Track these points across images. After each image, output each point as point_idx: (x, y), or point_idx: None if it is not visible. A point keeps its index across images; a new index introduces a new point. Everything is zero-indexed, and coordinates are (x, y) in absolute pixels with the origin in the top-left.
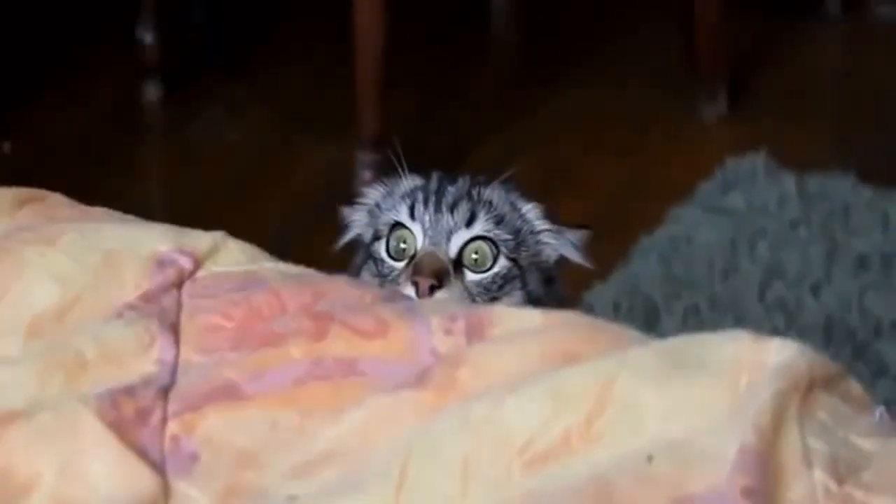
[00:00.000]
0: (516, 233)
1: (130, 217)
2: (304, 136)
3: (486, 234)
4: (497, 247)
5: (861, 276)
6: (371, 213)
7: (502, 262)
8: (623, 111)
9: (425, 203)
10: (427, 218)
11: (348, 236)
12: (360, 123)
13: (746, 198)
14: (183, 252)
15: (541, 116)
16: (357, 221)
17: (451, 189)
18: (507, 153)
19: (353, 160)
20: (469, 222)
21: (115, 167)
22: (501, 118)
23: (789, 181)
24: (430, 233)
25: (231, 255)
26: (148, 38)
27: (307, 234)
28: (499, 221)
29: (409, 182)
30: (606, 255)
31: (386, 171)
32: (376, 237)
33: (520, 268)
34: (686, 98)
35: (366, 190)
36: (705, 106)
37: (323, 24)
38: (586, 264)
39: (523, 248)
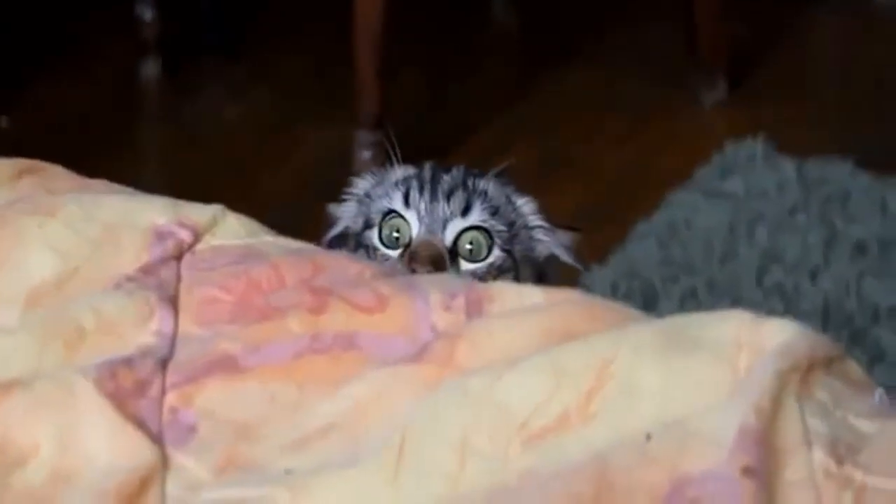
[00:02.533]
0: (510, 225)
1: (130, 189)
2: (303, 115)
3: (481, 223)
4: (492, 237)
5: (859, 261)
6: (360, 202)
7: (497, 253)
8: (623, 96)
9: (420, 191)
10: (423, 206)
11: (336, 230)
12: (359, 103)
13: (745, 183)
14: (182, 225)
15: (540, 101)
16: (346, 212)
17: (445, 178)
18: (506, 137)
19: (353, 140)
20: (465, 212)
21: (114, 145)
22: (501, 103)
23: (788, 167)
24: (425, 220)
25: (230, 228)
26: (147, 15)
27: (306, 213)
28: (494, 212)
29: (402, 170)
30: (605, 239)
31: (384, 152)
32: (368, 225)
33: (514, 260)
34: (686, 84)
35: (354, 180)
36: (705, 92)
37: (323, 3)
38: (577, 266)
39: (517, 242)
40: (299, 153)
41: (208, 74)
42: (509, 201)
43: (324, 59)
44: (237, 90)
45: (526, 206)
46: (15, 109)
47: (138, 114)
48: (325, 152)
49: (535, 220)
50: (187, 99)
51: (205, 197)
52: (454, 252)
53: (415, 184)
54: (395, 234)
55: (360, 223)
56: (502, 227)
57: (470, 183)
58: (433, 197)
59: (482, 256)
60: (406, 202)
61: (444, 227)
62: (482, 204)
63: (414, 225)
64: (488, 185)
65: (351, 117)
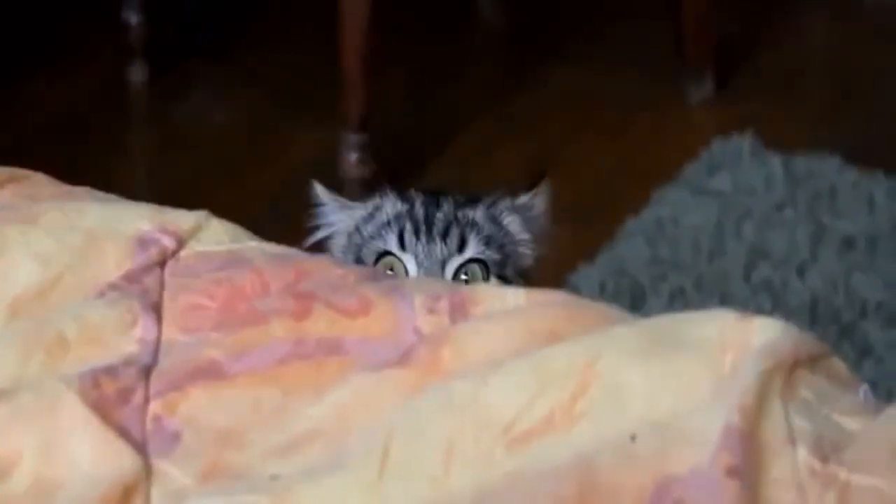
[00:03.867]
0: (501, 248)
1: (113, 196)
2: (290, 117)
3: (478, 255)
4: (488, 268)
5: (847, 257)
6: (350, 237)
7: (493, 283)
8: (610, 94)
9: (416, 233)
10: (419, 249)
11: (321, 234)
12: (346, 105)
13: (732, 179)
14: (166, 231)
15: (528, 99)
16: (335, 225)
17: (438, 215)
18: (494, 136)
19: (339, 142)
20: (461, 247)
21: (101, 148)
22: (489, 100)
23: (775, 163)
24: (424, 264)
25: (214, 234)
26: (134, 19)
27: (294, 215)
28: (487, 242)
29: (392, 206)
30: (593, 237)
31: (370, 154)
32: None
33: (509, 284)
34: (673, 80)
35: (341, 203)
36: (692, 88)
37: (309, 4)
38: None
39: (510, 263)
40: (286, 155)
41: (195, 77)
42: (497, 224)
43: (310, 61)
44: (224, 92)
45: (512, 224)
46: (2, 113)
47: (125, 117)
48: (311, 154)
49: (521, 234)
50: (174, 102)
51: (192, 198)
52: None
53: (408, 226)
54: (389, 272)
55: (350, 260)
56: (496, 256)
57: (461, 216)
58: (429, 238)
59: None
60: (402, 245)
61: (443, 268)
62: (476, 236)
63: (412, 268)
64: (476, 213)
65: (338, 119)
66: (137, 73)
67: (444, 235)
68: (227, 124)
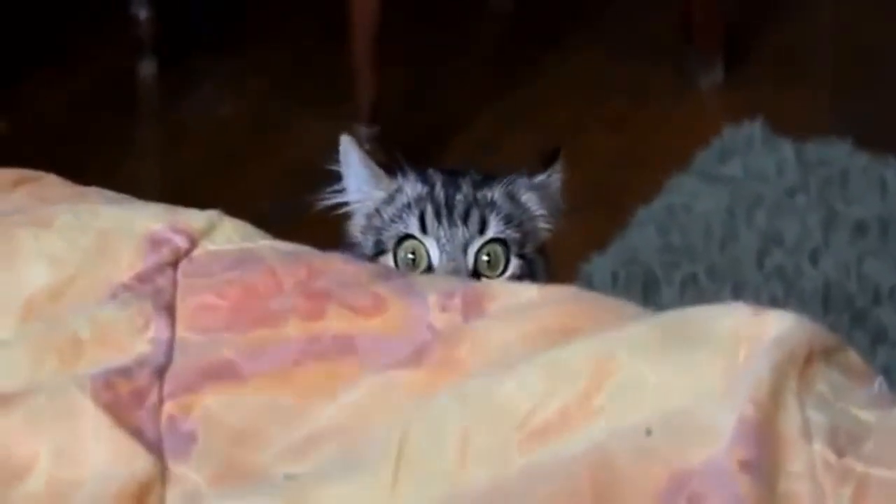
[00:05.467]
0: (520, 225)
1: (125, 197)
2: (299, 109)
3: (498, 235)
4: (508, 248)
5: (859, 242)
6: (370, 219)
7: (514, 263)
8: (619, 81)
9: (437, 216)
10: (441, 233)
11: (338, 198)
12: (356, 94)
13: (744, 166)
14: (178, 231)
15: (536, 87)
16: (353, 194)
17: (458, 197)
18: (502, 122)
19: (349, 132)
20: (482, 229)
21: (111, 143)
22: (498, 88)
23: (786, 148)
24: (447, 248)
25: (226, 233)
26: (142, 13)
27: (305, 206)
28: (508, 221)
29: (412, 188)
30: (604, 226)
31: (380, 145)
32: (380, 251)
33: (529, 262)
34: (682, 67)
35: (367, 165)
36: (701, 75)
37: None
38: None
39: (529, 240)
40: (295, 146)
41: (203, 71)
42: (516, 202)
43: (318, 52)
44: (232, 85)
45: (529, 200)
46: (11, 110)
47: (135, 111)
48: (320, 145)
49: (538, 210)
50: (183, 95)
51: (201, 192)
52: (475, 271)
53: (430, 209)
54: (411, 256)
55: (369, 243)
56: (515, 234)
57: (480, 197)
58: (451, 222)
59: (500, 268)
60: (423, 228)
61: (465, 251)
62: (496, 216)
63: (434, 252)
64: (494, 192)
65: (347, 109)
66: (146, 68)
67: (465, 218)
68: (234, 117)
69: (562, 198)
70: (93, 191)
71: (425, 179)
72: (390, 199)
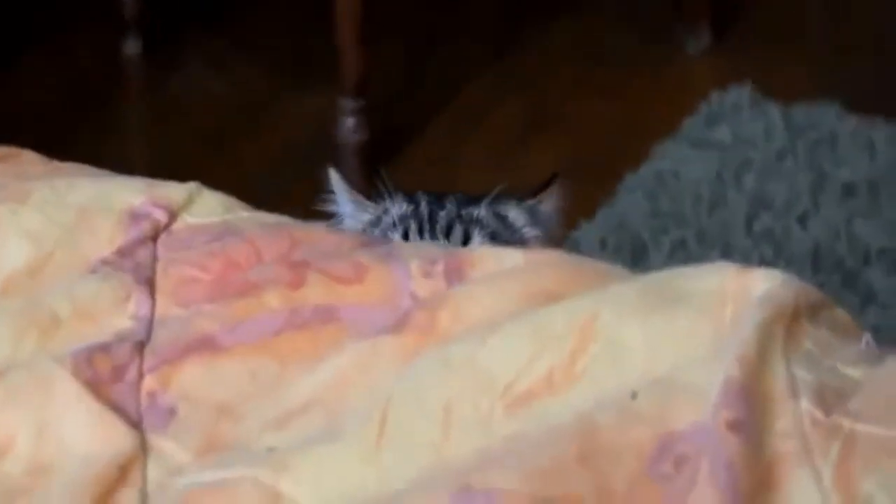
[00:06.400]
0: (507, 244)
1: (103, 171)
2: (286, 86)
3: None
4: None
5: (848, 204)
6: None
7: None
8: (607, 49)
9: (420, 232)
10: None
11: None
12: (343, 69)
13: (732, 130)
14: (157, 204)
15: (526, 56)
16: (345, 215)
17: (441, 214)
18: (493, 93)
19: (335, 105)
20: (464, 244)
21: (97, 123)
22: (487, 57)
23: (775, 112)
24: None
25: (206, 205)
26: None
27: (293, 183)
28: (492, 237)
29: (398, 208)
30: (593, 193)
31: (368, 119)
32: None
33: None
34: (670, 33)
35: (353, 197)
36: (689, 40)
37: None
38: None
39: None
40: (283, 124)
41: (189, 48)
42: (501, 220)
43: (305, 29)
44: (219, 63)
45: (517, 218)
46: None
47: (121, 91)
48: (309, 122)
49: (528, 231)
50: (169, 74)
51: (189, 170)
52: None
53: (413, 225)
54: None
55: None
56: None
57: (465, 214)
58: (433, 236)
59: None
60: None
61: None
62: (480, 232)
63: None
64: (480, 211)
65: (335, 86)
66: (132, 47)
67: (448, 233)
68: (222, 95)
69: (557, 219)
70: (71, 166)
71: (411, 199)
72: (377, 221)
